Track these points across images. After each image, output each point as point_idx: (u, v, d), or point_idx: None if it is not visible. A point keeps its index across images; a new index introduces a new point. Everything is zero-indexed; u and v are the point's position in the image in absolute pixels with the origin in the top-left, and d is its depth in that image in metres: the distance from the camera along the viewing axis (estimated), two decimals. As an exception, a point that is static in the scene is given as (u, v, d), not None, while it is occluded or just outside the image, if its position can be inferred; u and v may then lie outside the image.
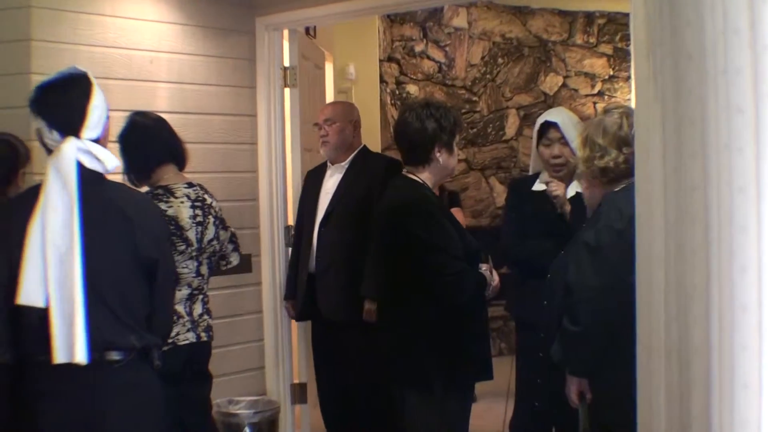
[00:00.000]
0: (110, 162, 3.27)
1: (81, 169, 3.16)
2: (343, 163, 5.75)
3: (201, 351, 4.51)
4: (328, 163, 5.85)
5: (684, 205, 2.21)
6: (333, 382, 5.80)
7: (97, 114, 3.27)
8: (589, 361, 3.63)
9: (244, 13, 6.04)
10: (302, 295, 5.78)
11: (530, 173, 5.18)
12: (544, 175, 4.92)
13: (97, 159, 3.23)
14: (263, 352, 6.10)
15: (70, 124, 3.22)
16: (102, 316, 3.15)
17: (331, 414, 5.89)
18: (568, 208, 4.73)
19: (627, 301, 2.78)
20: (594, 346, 3.57)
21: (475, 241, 4.25)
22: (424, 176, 4.16)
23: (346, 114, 5.83)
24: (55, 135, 3.20)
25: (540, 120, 4.93)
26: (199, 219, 4.43)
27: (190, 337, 4.38)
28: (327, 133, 5.72)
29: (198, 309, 4.47)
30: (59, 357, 3.06)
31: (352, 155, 5.76)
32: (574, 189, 4.80)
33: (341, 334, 5.56)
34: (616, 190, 3.68)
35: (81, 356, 3.06)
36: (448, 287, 4.02)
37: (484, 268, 4.18)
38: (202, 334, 4.47)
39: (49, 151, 3.23)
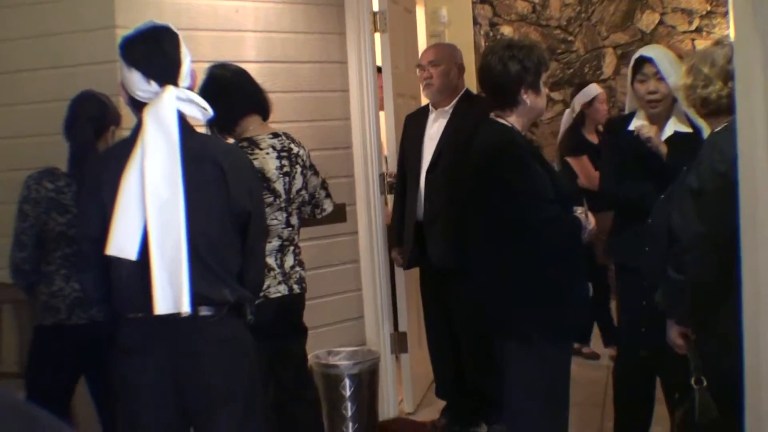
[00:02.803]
0: (210, 110, 3.25)
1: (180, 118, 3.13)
2: (446, 108, 5.60)
3: (294, 303, 4.46)
4: (431, 107, 5.72)
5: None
6: (443, 328, 5.73)
7: (187, 63, 3.25)
8: (696, 311, 3.51)
9: (331, -44, 5.92)
10: (410, 242, 5.68)
11: (626, 112, 5.01)
12: (641, 114, 4.76)
13: (199, 106, 3.20)
14: (362, 301, 6.05)
15: (168, 73, 3.19)
16: (196, 270, 3.09)
17: (441, 360, 5.83)
18: (664, 149, 4.56)
19: (734, 248, 2.68)
20: (700, 295, 3.44)
21: (570, 184, 4.12)
22: (512, 119, 4.02)
23: (451, 56, 5.67)
24: (153, 85, 3.16)
25: (635, 56, 4.76)
26: (286, 169, 4.36)
27: (282, 289, 4.32)
28: (431, 75, 5.57)
29: (289, 261, 4.40)
30: (161, 308, 3.03)
31: (456, 99, 5.60)
32: (671, 127, 4.65)
33: (452, 281, 5.41)
34: (717, 129, 3.55)
35: (187, 306, 3.03)
36: (542, 234, 3.88)
37: (579, 212, 4.03)
38: (295, 286, 4.40)
39: (138, 104, 3.19)
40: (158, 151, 3.06)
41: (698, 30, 9.94)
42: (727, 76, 3.51)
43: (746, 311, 2.47)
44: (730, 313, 2.91)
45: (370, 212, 6.02)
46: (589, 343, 7.16)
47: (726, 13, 9.85)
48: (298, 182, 4.43)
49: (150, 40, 3.23)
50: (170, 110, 3.11)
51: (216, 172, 3.22)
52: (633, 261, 4.41)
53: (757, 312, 2.37)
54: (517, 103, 3.99)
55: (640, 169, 4.62)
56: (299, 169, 4.44)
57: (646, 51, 4.75)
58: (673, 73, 4.50)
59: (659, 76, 4.58)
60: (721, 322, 3.32)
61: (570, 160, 6.71)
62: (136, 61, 3.17)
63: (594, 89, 7.10)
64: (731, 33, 9.23)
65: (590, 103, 7.00)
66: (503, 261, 3.93)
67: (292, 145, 4.45)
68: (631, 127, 4.71)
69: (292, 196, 4.39)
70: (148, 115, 3.11)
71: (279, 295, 4.31)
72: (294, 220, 4.44)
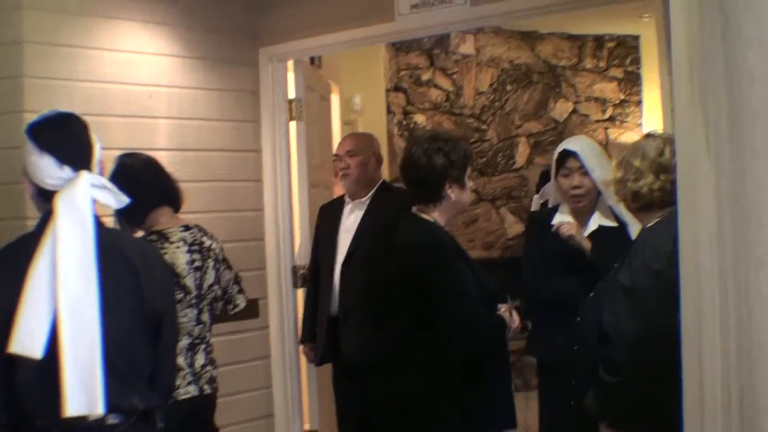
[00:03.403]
0: (125, 197, 3.07)
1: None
2: (363, 199, 5.51)
3: (204, 405, 4.25)
4: (347, 198, 5.62)
5: (745, 246, 1.96)
6: (358, 426, 5.47)
7: (98, 150, 3.09)
8: (630, 414, 3.40)
9: (246, 43, 5.86)
10: (323, 338, 5.52)
11: (550, 205, 4.93)
12: (564, 207, 4.68)
13: (113, 193, 3.03)
14: (272, 399, 5.88)
15: (82, 158, 3.02)
16: (107, 373, 2.86)
17: (355, 460, 5.63)
18: (588, 244, 4.47)
19: (670, 348, 2.58)
20: (635, 397, 3.34)
21: (493, 281, 4.00)
22: (436, 215, 3.91)
23: (369, 146, 5.61)
24: (67, 171, 2.96)
25: (558, 149, 4.69)
26: (197, 264, 4.20)
27: (192, 390, 4.11)
28: (348, 165, 5.48)
29: (200, 359, 4.21)
30: (72, 409, 2.78)
31: (374, 190, 5.52)
32: (596, 222, 4.59)
33: (368, 378, 5.20)
34: (650, 225, 3.50)
35: (101, 407, 2.81)
36: (466, 334, 3.77)
37: (503, 309, 3.93)
38: (205, 387, 4.20)
39: (46, 194, 2.98)
40: (72, 242, 2.86)
41: (611, 119, 10.08)
42: (659, 169, 3.48)
43: (687, 413, 2.34)
44: (667, 417, 2.79)
45: (282, 306, 5.90)
46: None
47: (639, 102, 10.00)
48: (210, 277, 4.27)
49: (60, 125, 3.06)
50: (85, 198, 2.92)
51: (128, 270, 3.04)
52: (557, 360, 4.30)
53: (701, 414, 2.25)
54: (441, 197, 3.88)
55: (562, 264, 4.53)
56: (211, 264, 4.28)
57: (570, 144, 4.67)
58: (598, 167, 4.46)
59: (583, 170, 4.51)
60: (657, 426, 3.20)
61: None
62: (49, 145, 2.98)
63: None
64: (644, 122, 9.29)
65: None
66: (427, 360, 3.78)
67: (204, 238, 4.29)
68: (554, 221, 4.62)
69: (203, 292, 4.22)
70: (60, 203, 2.90)
71: (189, 396, 4.10)
72: (205, 317, 4.26)
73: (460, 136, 4.10)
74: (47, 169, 2.97)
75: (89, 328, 2.82)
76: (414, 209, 3.98)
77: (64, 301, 2.81)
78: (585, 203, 4.58)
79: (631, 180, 3.54)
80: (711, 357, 2.18)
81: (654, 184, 3.48)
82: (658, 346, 3.10)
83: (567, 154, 4.59)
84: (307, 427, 6.06)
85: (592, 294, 3.77)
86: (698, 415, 2.28)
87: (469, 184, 3.98)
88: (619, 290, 3.38)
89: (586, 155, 4.54)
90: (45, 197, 3.00)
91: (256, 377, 5.80)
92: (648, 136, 3.68)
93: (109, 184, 3.04)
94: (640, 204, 3.55)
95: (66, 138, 3.02)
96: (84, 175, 2.96)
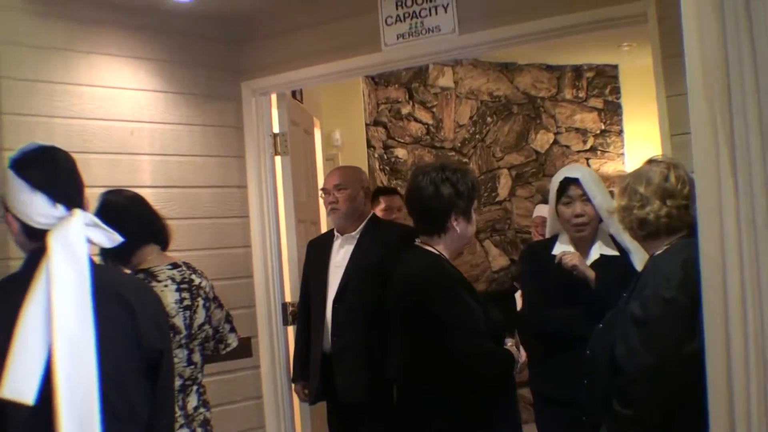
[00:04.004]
0: (117, 236, 2.94)
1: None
2: (353, 233, 5.40)
3: None
4: (336, 233, 5.50)
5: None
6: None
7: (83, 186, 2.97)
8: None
9: (228, 77, 5.80)
10: (316, 376, 5.38)
11: (547, 236, 4.81)
12: (564, 237, 4.59)
13: (105, 232, 2.90)
14: (265, 439, 5.77)
15: (75, 196, 2.90)
16: (104, 418, 2.72)
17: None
18: (592, 274, 4.35)
19: (685, 377, 2.48)
20: (650, 430, 3.24)
21: (500, 315, 3.89)
22: (440, 247, 3.81)
23: (358, 179, 5.48)
24: (60, 209, 2.83)
25: (558, 177, 4.59)
26: (186, 303, 4.06)
27: None
28: (336, 199, 5.37)
29: (193, 401, 4.06)
30: None
31: (363, 223, 5.41)
32: (597, 251, 4.51)
33: (362, 417, 5.19)
34: (658, 252, 3.42)
35: None
36: (473, 370, 3.66)
37: (509, 344, 3.84)
38: (198, 430, 4.05)
39: (34, 233, 2.83)
40: (68, 282, 2.72)
41: (593, 149, 10.05)
42: (665, 195, 3.42)
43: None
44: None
45: (273, 344, 5.81)
46: None
47: (620, 132, 9.98)
48: (201, 316, 4.12)
49: (50, 160, 2.92)
50: (80, 238, 2.79)
51: (123, 308, 2.90)
52: (561, 394, 4.18)
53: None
54: (446, 229, 3.79)
55: (564, 295, 4.42)
56: (201, 302, 4.14)
57: (571, 172, 4.59)
58: (599, 194, 4.38)
59: (585, 198, 4.42)
60: None
61: None
62: (41, 183, 2.84)
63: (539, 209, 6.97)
64: (626, 152, 9.25)
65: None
66: (431, 398, 3.70)
67: (193, 276, 4.15)
68: (555, 251, 4.52)
69: (193, 332, 4.08)
70: (54, 242, 2.76)
71: (182, 440, 3.95)
72: (196, 358, 4.11)
73: (468, 168, 3.98)
74: (39, 207, 2.83)
75: (86, 369, 2.68)
76: (417, 241, 3.88)
77: (60, 343, 2.66)
78: (587, 232, 4.50)
79: (636, 207, 3.46)
80: (739, 383, 2.10)
81: (661, 210, 3.40)
82: (674, 377, 3.10)
83: (568, 182, 4.50)
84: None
85: (600, 325, 3.66)
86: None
87: (475, 216, 3.89)
88: (631, 321, 3.29)
89: (588, 182, 4.46)
90: (31, 236, 2.86)
91: (249, 417, 5.70)
92: (651, 161, 3.60)
93: (101, 223, 2.91)
94: (647, 231, 3.47)
95: (59, 175, 2.90)
96: (78, 213, 2.85)
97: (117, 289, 2.93)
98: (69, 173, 2.93)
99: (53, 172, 2.89)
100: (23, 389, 2.66)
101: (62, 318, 2.68)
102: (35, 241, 2.84)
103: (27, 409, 2.67)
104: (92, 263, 2.87)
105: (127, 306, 2.90)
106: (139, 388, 2.93)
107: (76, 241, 2.78)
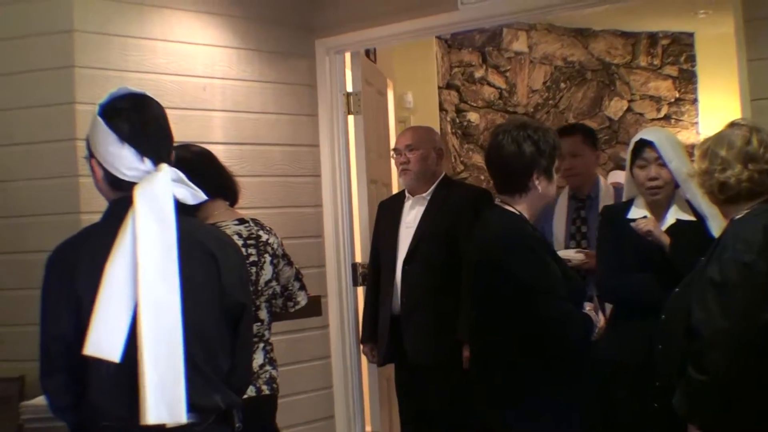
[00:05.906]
0: (201, 193, 2.86)
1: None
2: (424, 194, 5.32)
3: (263, 406, 4.06)
4: (407, 194, 5.44)
5: None
6: (420, 428, 5.38)
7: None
8: (722, 415, 3.22)
9: (303, 35, 5.74)
10: (385, 337, 5.35)
11: (624, 198, 4.71)
12: (640, 201, 4.47)
13: (191, 189, 2.82)
14: (332, 400, 5.77)
15: (163, 151, 2.82)
16: (189, 376, 2.69)
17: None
18: (667, 239, 4.25)
19: (763, 344, 2.48)
20: (726, 396, 3.18)
21: (580, 278, 3.81)
22: (521, 207, 3.72)
23: (430, 140, 5.41)
24: (147, 163, 2.75)
25: (635, 139, 4.47)
26: (252, 259, 4.01)
27: (249, 390, 3.85)
28: (408, 160, 5.29)
29: (258, 359, 4.03)
30: (152, 417, 2.60)
31: (434, 185, 5.33)
32: (673, 216, 4.37)
33: (431, 379, 5.15)
34: (738, 217, 3.34)
35: (184, 417, 2.64)
36: (553, 332, 3.59)
37: (588, 308, 3.75)
38: (264, 387, 4.03)
39: (120, 184, 2.78)
40: (154, 242, 2.67)
41: (667, 117, 9.91)
42: (747, 158, 3.33)
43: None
44: (763, 417, 2.73)
45: (342, 305, 5.79)
46: None
47: (695, 101, 9.82)
48: (267, 273, 4.08)
49: (140, 109, 2.83)
50: (167, 195, 2.72)
51: (207, 262, 2.85)
52: (636, 359, 4.09)
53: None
54: (527, 188, 3.70)
55: (640, 260, 4.31)
56: (268, 259, 4.09)
57: (647, 134, 4.46)
58: (675, 158, 4.26)
59: (661, 161, 4.31)
60: (752, 427, 3.13)
61: None
62: (131, 136, 2.76)
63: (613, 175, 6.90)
64: (700, 121, 9.13)
65: None
66: (507, 362, 3.64)
67: (261, 232, 4.10)
68: (630, 215, 4.42)
69: (260, 288, 4.04)
70: (141, 199, 2.69)
71: (245, 397, 3.88)
72: (263, 314, 4.08)
73: (548, 127, 3.88)
74: (126, 160, 2.76)
75: (171, 333, 2.65)
76: (497, 200, 3.81)
77: (145, 301, 2.63)
78: (661, 196, 4.37)
79: (717, 171, 3.37)
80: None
81: (742, 174, 3.31)
82: (750, 344, 3.07)
83: (643, 144, 4.38)
84: (368, 428, 5.97)
85: (677, 289, 3.58)
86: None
87: (556, 176, 3.80)
88: (709, 285, 3.22)
89: (664, 146, 4.33)
90: (115, 185, 2.81)
91: (317, 378, 5.69)
92: (732, 124, 3.50)
93: (186, 180, 2.83)
94: (727, 195, 3.38)
95: (148, 128, 2.80)
96: (165, 168, 2.77)
97: (202, 243, 2.88)
98: (158, 126, 2.85)
99: (142, 124, 2.79)
100: (109, 347, 2.63)
101: (148, 277, 2.64)
102: (118, 191, 2.79)
103: (111, 366, 2.65)
104: (177, 217, 2.82)
105: (212, 259, 2.86)
106: (222, 341, 2.89)
107: (163, 199, 2.71)
